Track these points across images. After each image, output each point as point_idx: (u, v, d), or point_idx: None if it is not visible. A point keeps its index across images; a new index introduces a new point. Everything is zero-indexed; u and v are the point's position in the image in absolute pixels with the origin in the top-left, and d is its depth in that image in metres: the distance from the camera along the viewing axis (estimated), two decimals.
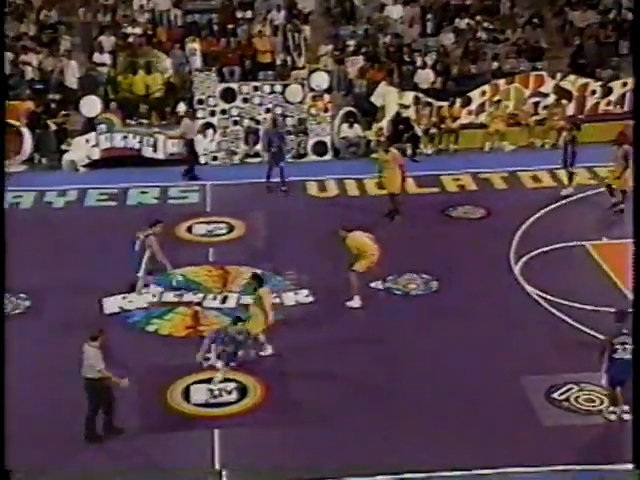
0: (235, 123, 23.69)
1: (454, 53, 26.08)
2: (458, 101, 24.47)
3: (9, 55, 24.53)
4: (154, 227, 16.66)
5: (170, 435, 12.89)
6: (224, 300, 16.64)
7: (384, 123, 24.00)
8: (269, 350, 14.74)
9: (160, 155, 23.41)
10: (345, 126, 23.94)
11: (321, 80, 23.89)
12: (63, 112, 24.14)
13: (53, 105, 24.29)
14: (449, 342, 14.95)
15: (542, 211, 19.98)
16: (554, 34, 27.14)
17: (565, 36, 27.01)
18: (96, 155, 23.28)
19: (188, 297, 16.72)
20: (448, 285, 16.90)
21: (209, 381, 13.91)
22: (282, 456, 12.42)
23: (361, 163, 23.01)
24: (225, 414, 13.40)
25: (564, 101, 24.45)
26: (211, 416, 13.38)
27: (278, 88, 23.72)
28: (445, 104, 24.36)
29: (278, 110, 23.43)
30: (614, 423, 12.99)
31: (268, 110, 23.54)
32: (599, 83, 24.92)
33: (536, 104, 24.64)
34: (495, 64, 25.73)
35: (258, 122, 23.60)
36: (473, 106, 24.57)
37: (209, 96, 23.59)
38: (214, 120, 23.62)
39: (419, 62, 25.58)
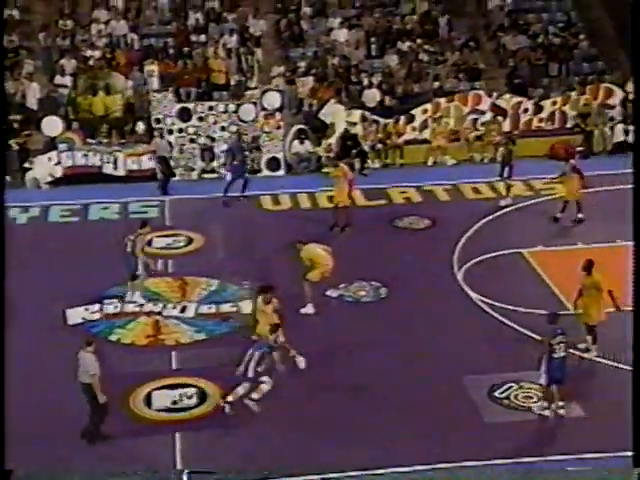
0: (192, 141, 23.65)
1: (398, 74, 26.26)
2: (402, 118, 24.66)
3: None
4: (143, 229, 16.81)
5: (133, 440, 12.78)
6: (183, 310, 16.56)
7: (333, 139, 24.11)
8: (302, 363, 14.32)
9: (120, 172, 23.30)
10: (296, 143, 24.01)
11: (273, 99, 23.93)
12: (25, 132, 23.90)
13: (15, 125, 24.02)
14: (397, 345, 15.03)
15: (482, 221, 20.20)
16: (490, 56, 27.47)
17: (500, 58, 27.35)
18: (58, 173, 23.11)
19: (149, 307, 16.61)
20: (396, 292, 16.99)
21: (171, 387, 13.81)
22: (240, 457, 12.37)
23: (312, 178, 23.09)
24: (186, 418, 13.32)
25: (500, 118, 24.78)
26: (172, 420, 13.29)
27: (232, 107, 23.74)
28: (390, 121, 24.53)
29: (233, 128, 23.45)
30: (550, 419, 13.14)
31: (223, 128, 23.60)
32: (531, 101, 25.29)
33: (474, 121, 24.91)
34: (436, 84, 25.96)
35: (214, 140, 23.61)
36: (416, 123, 24.77)
37: (166, 115, 23.54)
38: (171, 138, 23.54)
39: (365, 82, 25.73)
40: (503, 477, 11.85)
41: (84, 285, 16.85)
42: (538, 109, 25.18)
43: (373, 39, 27.18)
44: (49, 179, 22.99)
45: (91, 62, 25.74)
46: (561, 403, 13.18)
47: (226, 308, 16.58)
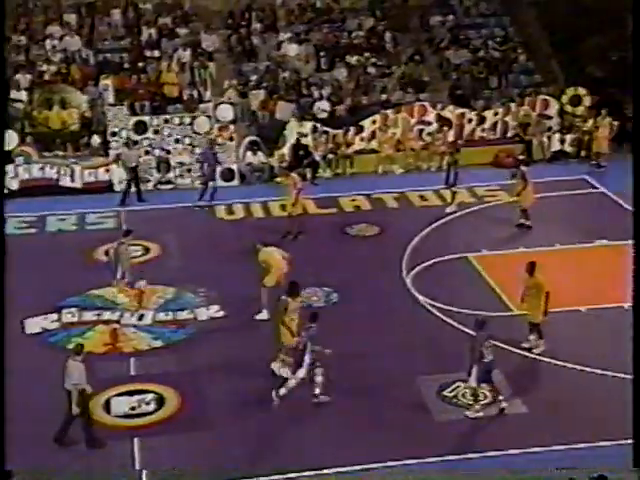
0: (147, 153, 23.43)
1: (347, 86, 26.34)
2: (352, 129, 24.72)
3: None
4: (126, 237, 16.81)
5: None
6: (140, 318, 16.37)
7: (285, 150, 24.07)
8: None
9: (77, 184, 23.03)
10: (249, 153, 23.95)
11: (226, 112, 23.88)
12: None
13: None
14: (350, 348, 14.97)
15: (429, 227, 20.29)
16: (434, 70, 27.67)
17: (444, 71, 27.57)
18: (15, 186, 22.74)
19: (106, 316, 16.40)
20: (348, 296, 16.98)
21: (129, 393, 13.62)
22: (197, 460, 12.24)
23: (265, 187, 23.01)
24: (144, 424, 13.15)
25: (445, 128, 24.93)
26: (130, 426, 13.11)
27: (186, 120, 23.61)
28: (340, 132, 24.57)
29: (187, 140, 23.34)
30: (496, 416, 13.23)
31: (177, 141, 23.46)
32: (474, 112, 25.51)
33: (421, 131, 25.06)
34: (383, 96, 26.08)
35: (169, 152, 23.45)
36: (365, 134, 24.85)
37: (122, 129, 23.31)
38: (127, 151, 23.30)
39: (316, 95, 25.75)
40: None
41: (42, 295, 16.57)
42: (481, 120, 25.44)
43: (322, 53, 27.22)
44: (5, 192, 22.57)
45: (46, 77, 25.38)
46: (500, 398, 13.30)
47: (183, 315, 16.43)
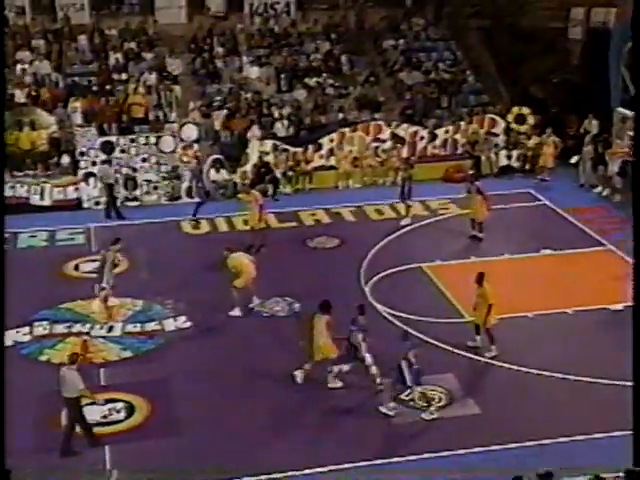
0: (115, 172, 23.25)
1: (306, 106, 26.39)
2: (311, 147, 24.77)
3: None
4: (114, 245, 16.76)
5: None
6: (110, 329, 16.23)
7: (248, 167, 24.06)
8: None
9: (47, 202, 22.80)
10: (213, 171, 23.86)
11: (190, 132, 23.82)
12: None
13: None
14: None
15: (386, 239, 20.38)
16: (388, 90, 27.84)
17: (397, 92, 27.75)
18: None
19: (77, 328, 16.23)
20: (309, 306, 16.93)
21: (101, 403, 13.49)
22: (167, 465, 12.17)
23: (229, 203, 22.93)
24: (115, 431, 13.02)
25: (399, 145, 25.10)
26: (102, 434, 12.95)
27: (152, 140, 23.50)
28: (300, 150, 24.61)
29: (153, 159, 23.26)
30: (450, 418, 13.32)
31: (144, 159, 23.34)
32: (426, 130, 25.71)
33: (376, 148, 25.17)
34: (341, 115, 26.16)
35: (135, 170, 23.32)
36: (324, 151, 24.90)
37: (90, 148, 23.13)
38: (95, 170, 23.13)
39: (276, 114, 25.77)
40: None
41: (14, 309, 16.31)
42: (432, 137, 25.64)
43: (282, 75, 27.25)
44: None
45: (17, 100, 25.10)
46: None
47: (151, 326, 16.32)
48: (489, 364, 14.79)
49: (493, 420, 13.14)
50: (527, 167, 25.20)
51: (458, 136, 25.77)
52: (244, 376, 14.47)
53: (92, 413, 13.30)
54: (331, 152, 24.91)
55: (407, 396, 13.76)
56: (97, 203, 23.15)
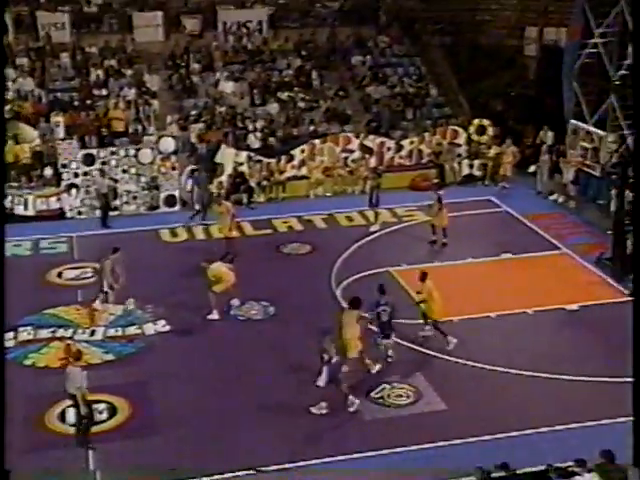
0: (96, 183, 23.05)
1: (278, 119, 26.36)
2: (283, 158, 24.72)
3: None
4: (113, 254, 16.64)
5: (49, 452, 12.24)
6: (92, 333, 16.08)
7: (223, 178, 23.95)
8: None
9: (30, 212, 22.53)
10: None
11: (168, 144, 23.66)
12: None
13: None
14: (286, 356, 14.95)
15: (355, 245, 20.37)
16: (356, 104, 27.87)
17: (365, 105, 27.80)
18: None
19: (60, 333, 16.05)
20: (283, 309, 16.93)
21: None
22: (147, 464, 12.04)
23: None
24: (97, 431, 12.84)
25: (367, 156, 25.14)
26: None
27: (132, 152, 23.32)
28: (273, 161, 24.55)
29: (132, 170, 23.11)
30: (422, 413, 13.30)
31: (124, 171, 23.16)
32: (393, 141, 25.77)
33: (345, 158, 25.18)
34: (311, 127, 26.16)
35: (116, 181, 23.12)
36: (296, 162, 24.86)
37: (72, 161, 22.91)
38: (77, 181, 22.92)
39: (250, 127, 25.70)
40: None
41: None
42: (399, 148, 25.69)
43: (256, 90, 27.20)
44: None
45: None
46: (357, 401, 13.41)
47: (131, 330, 16.18)
48: (455, 362, 14.80)
49: (458, 416, 13.16)
50: (488, 176, 25.32)
51: (423, 146, 25.85)
52: (222, 377, 14.38)
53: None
54: (303, 162, 24.88)
55: (377, 394, 13.75)
56: (79, 213, 22.95)
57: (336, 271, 18.75)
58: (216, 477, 11.80)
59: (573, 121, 23.64)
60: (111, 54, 27.90)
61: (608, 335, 15.72)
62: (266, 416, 13.22)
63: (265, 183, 24.31)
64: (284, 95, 27.12)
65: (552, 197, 23.52)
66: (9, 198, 22.48)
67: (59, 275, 18.98)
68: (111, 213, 22.59)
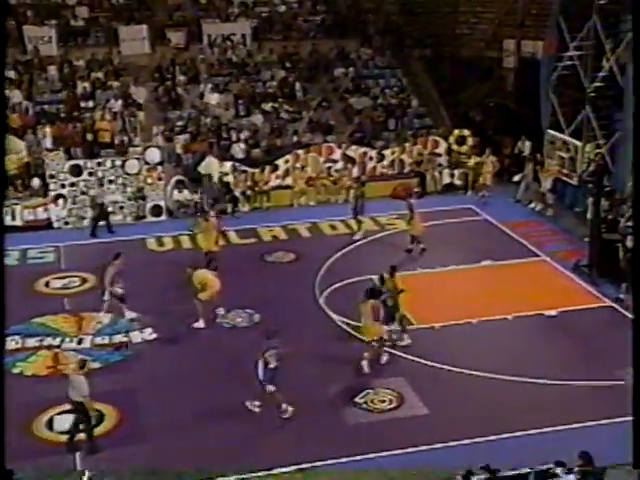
0: (82, 193, 22.97)
1: (263, 130, 26.39)
2: (267, 168, 24.73)
3: None
4: (115, 260, 16.50)
5: (37, 460, 12.15)
6: (80, 342, 15.99)
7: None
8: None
9: (18, 222, 22.39)
10: (176, 192, 23.70)
11: (154, 155, 23.62)
12: None
13: None
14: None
15: (339, 253, 20.39)
16: (339, 114, 27.97)
17: (347, 116, 27.88)
18: None
19: (48, 341, 15.96)
20: (268, 317, 16.90)
21: (70, 412, 13.23)
22: (135, 472, 11.99)
23: (191, 221, 22.74)
24: (85, 439, 12.75)
25: (349, 165, 25.20)
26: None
27: (118, 163, 23.25)
28: (257, 170, 24.56)
29: (119, 181, 23.04)
30: (404, 418, 13.30)
31: (111, 181, 23.08)
32: (375, 151, 25.85)
33: (329, 168, 25.23)
34: (295, 138, 26.20)
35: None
36: (280, 171, 24.88)
37: (59, 172, 22.82)
38: (64, 191, 22.83)
39: (234, 138, 25.71)
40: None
41: None
42: (381, 157, 25.77)
43: (240, 101, 27.23)
44: None
45: None
46: (256, 403, 13.35)
47: (118, 338, 16.11)
48: (437, 368, 14.81)
49: (440, 420, 13.18)
50: (468, 185, 25.44)
51: (404, 156, 25.95)
52: (208, 384, 14.32)
53: (63, 421, 13.08)
54: (287, 172, 24.90)
55: (360, 399, 13.75)
56: (66, 223, 22.86)
57: (320, 279, 18.75)
58: None
59: (550, 131, 23.82)
60: (98, 67, 27.86)
61: (586, 340, 15.83)
62: (252, 422, 13.17)
63: (250, 193, 24.31)
64: (268, 106, 27.16)
65: (531, 205, 23.68)
66: None
67: (46, 284, 18.87)
68: (101, 223, 22.51)
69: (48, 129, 24.64)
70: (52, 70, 27.53)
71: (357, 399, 13.78)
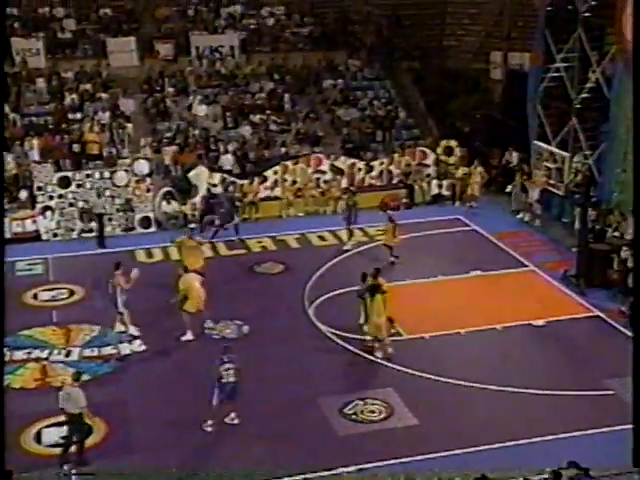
0: (71, 205, 22.91)
1: (251, 141, 26.42)
2: (256, 179, 24.75)
3: None
4: (117, 270, 16.31)
5: (23, 474, 12.05)
6: (68, 354, 15.91)
7: (197, 199, 23.91)
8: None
9: (6, 234, 22.22)
10: (164, 203, 23.67)
11: (143, 166, 23.61)
12: None
13: None
14: (260, 374, 14.86)
15: (328, 264, 20.39)
16: (327, 126, 28.04)
17: (335, 127, 27.97)
18: None
19: (36, 354, 15.86)
20: (257, 328, 16.88)
21: (59, 424, 13.12)
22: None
23: (180, 233, 22.68)
24: (74, 452, 12.67)
25: (338, 176, 25.25)
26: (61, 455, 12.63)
27: (107, 174, 23.22)
28: (246, 182, 24.56)
29: (107, 193, 23.00)
30: (396, 428, 13.30)
31: (99, 194, 23.03)
32: (363, 162, 25.92)
33: (317, 179, 25.27)
34: (283, 149, 26.24)
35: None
36: (268, 183, 24.90)
37: (47, 184, 22.76)
38: (52, 203, 22.77)
39: (222, 149, 25.73)
40: None
41: None
42: (369, 168, 25.85)
43: (229, 113, 27.27)
44: None
45: None
46: (232, 415, 13.32)
47: (107, 350, 16.04)
48: (426, 378, 14.80)
49: (430, 431, 13.17)
50: (456, 195, 25.52)
51: (392, 167, 26.04)
52: (198, 396, 14.23)
53: (51, 434, 13.00)
54: (275, 183, 24.92)
55: (350, 410, 13.73)
56: (55, 235, 22.78)
57: (309, 290, 18.74)
58: None
59: (537, 142, 23.96)
60: (86, 79, 27.85)
61: (574, 350, 15.89)
62: (242, 433, 13.13)
63: (238, 204, 24.28)
64: (256, 118, 27.21)
65: (519, 216, 23.78)
66: None
67: (34, 297, 18.79)
68: (91, 234, 22.44)
69: (36, 141, 24.59)
70: (40, 82, 27.50)
71: (346, 410, 13.75)
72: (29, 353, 15.89)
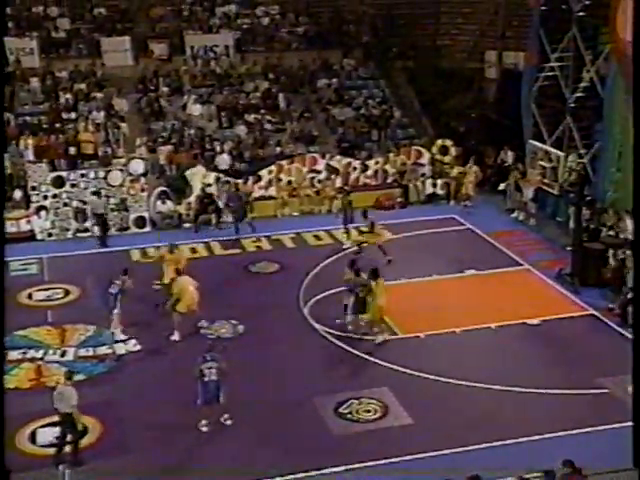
0: (65, 205, 22.87)
1: (246, 141, 26.42)
2: (251, 179, 24.74)
3: None
4: (124, 276, 16.34)
5: (19, 474, 12.03)
6: (63, 354, 15.89)
7: (192, 199, 23.89)
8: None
9: None
10: (159, 203, 23.65)
11: (137, 166, 23.60)
12: None
13: None
14: (254, 374, 14.87)
15: (323, 263, 20.38)
16: (322, 125, 28.05)
17: (330, 126, 27.97)
18: None
19: (31, 354, 15.84)
20: (252, 327, 16.88)
21: (54, 424, 13.10)
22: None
23: (174, 232, 22.71)
24: (68, 451, 12.66)
25: (333, 176, 25.25)
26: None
27: (101, 174, 23.19)
28: (241, 181, 24.55)
29: (102, 192, 22.95)
30: (392, 428, 13.30)
31: (94, 193, 22.99)
32: (358, 162, 25.93)
33: (312, 179, 25.27)
34: (278, 149, 26.24)
35: (85, 203, 22.95)
36: (263, 182, 24.89)
37: (41, 183, 22.72)
38: (47, 203, 22.72)
39: (218, 149, 25.71)
40: None
41: None
42: (364, 168, 25.86)
43: (223, 112, 27.26)
44: None
45: None
46: (226, 416, 13.31)
47: (102, 350, 16.01)
48: (421, 377, 14.82)
49: (425, 430, 13.19)
50: (451, 194, 25.55)
51: (387, 167, 26.05)
52: (193, 395, 14.22)
53: (46, 435, 12.98)
54: (270, 183, 24.91)
55: (345, 409, 13.73)
56: (50, 235, 22.74)
57: (304, 289, 18.74)
58: None
59: (532, 141, 23.99)
60: (81, 78, 27.82)
61: (568, 348, 15.91)
62: (237, 433, 13.13)
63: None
64: (251, 117, 27.21)
65: (513, 215, 23.81)
66: None
67: (29, 296, 18.76)
68: (85, 234, 22.39)
69: (30, 141, 24.54)
70: (34, 82, 27.47)
71: (342, 409, 13.76)
72: (24, 353, 15.87)
